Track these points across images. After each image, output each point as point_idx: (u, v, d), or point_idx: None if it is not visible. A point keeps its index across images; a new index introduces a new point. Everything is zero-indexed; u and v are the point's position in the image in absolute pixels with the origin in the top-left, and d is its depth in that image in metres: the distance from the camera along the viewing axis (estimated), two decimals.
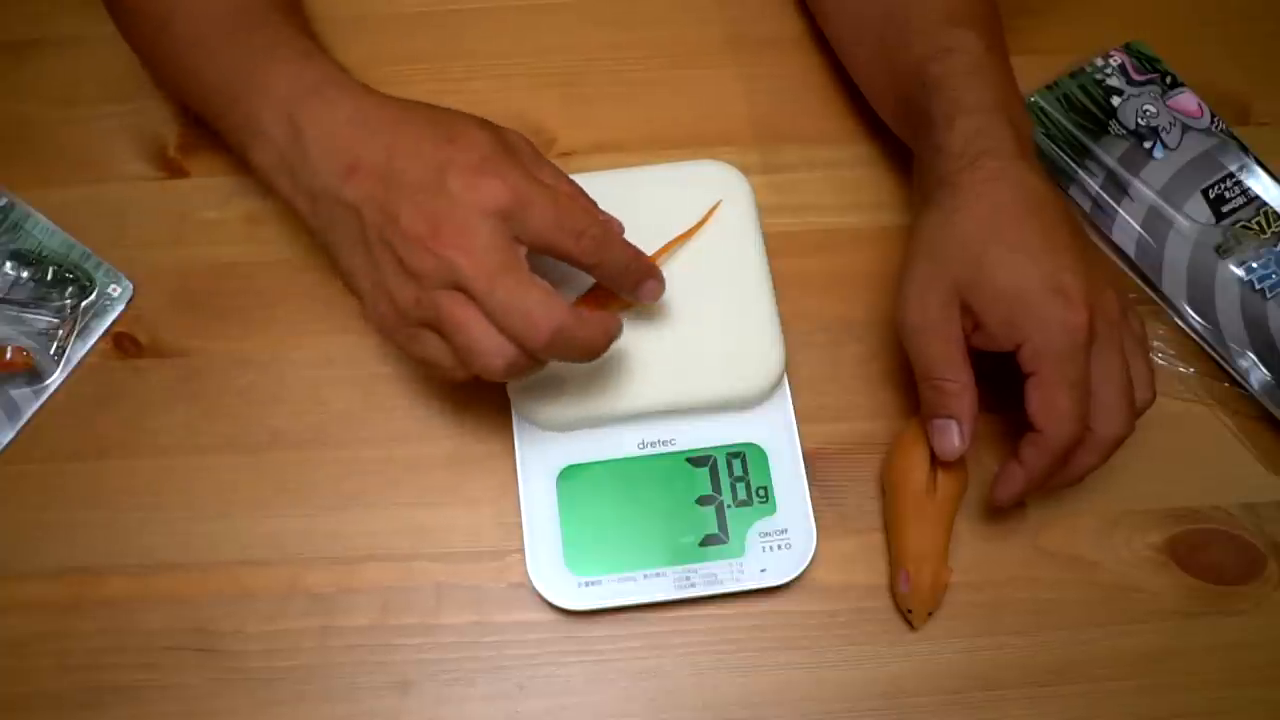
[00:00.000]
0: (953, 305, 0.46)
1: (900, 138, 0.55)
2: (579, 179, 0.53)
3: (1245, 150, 0.57)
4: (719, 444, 0.51)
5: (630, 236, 0.52)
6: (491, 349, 0.41)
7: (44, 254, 0.56)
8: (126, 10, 0.52)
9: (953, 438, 0.47)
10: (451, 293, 0.41)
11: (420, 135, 0.43)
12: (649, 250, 0.51)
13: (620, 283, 0.46)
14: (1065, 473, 0.47)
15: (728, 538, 0.49)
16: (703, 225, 0.52)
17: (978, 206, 0.46)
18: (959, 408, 0.46)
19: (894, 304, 0.48)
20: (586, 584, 0.49)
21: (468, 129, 0.44)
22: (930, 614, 0.49)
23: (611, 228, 0.45)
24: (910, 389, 0.54)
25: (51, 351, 0.54)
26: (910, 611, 0.49)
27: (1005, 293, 0.45)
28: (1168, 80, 0.59)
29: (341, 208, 0.43)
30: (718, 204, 0.52)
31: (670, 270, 0.51)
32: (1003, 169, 0.46)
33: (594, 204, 0.46)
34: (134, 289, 0.55)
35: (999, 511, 0.50)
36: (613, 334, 0.44)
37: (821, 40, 0.60)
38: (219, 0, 0.49)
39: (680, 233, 0.51)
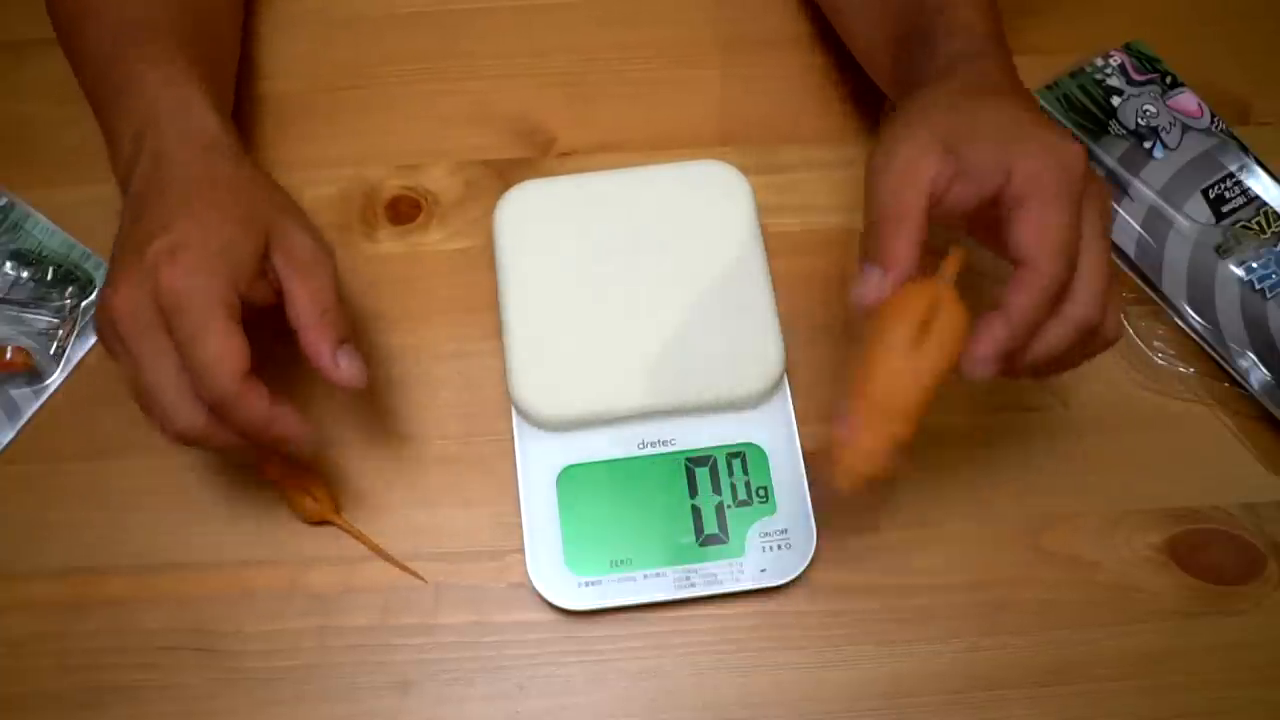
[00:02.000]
0: (927, 154, 0.41)
1: (889, 94, 0.53)
2: (580, 179, 0.54)
3: (1245, 150, 0.57)
4: (719, 444, 0.51)
5: (631, 237, 0.52)
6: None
7: (44, 254, 0.56)
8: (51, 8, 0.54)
9: (871, 284, 0.40)
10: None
11: (195, 199, 0.44)
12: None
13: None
14: (1035, 348, 0.41)
15: (728, 538, 0.49)
16: None
17: (972, 81, 0.44)
18: (892, 252, 0.40)
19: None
20: (586, 584, 0.49)
21: (219, 223, 0.43)
22: (866, 481, 0.41)
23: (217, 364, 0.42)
24: None
25: (51, 351, 0.54)
26: (841, 465, 0.41)
27: (996, 126, 0.41)
28: (1168, 80, 0.59)
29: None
30: None
31: (671, 270, 0.52)
32: (1001, 69, 0.45)
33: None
34: None
35: (974, 379, 0.40)
36: (280, 430, 0.43)
37: (822, 40, 0.60)
38: (121, 10, 0.50)
39: None
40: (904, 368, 0.40)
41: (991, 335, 0.40)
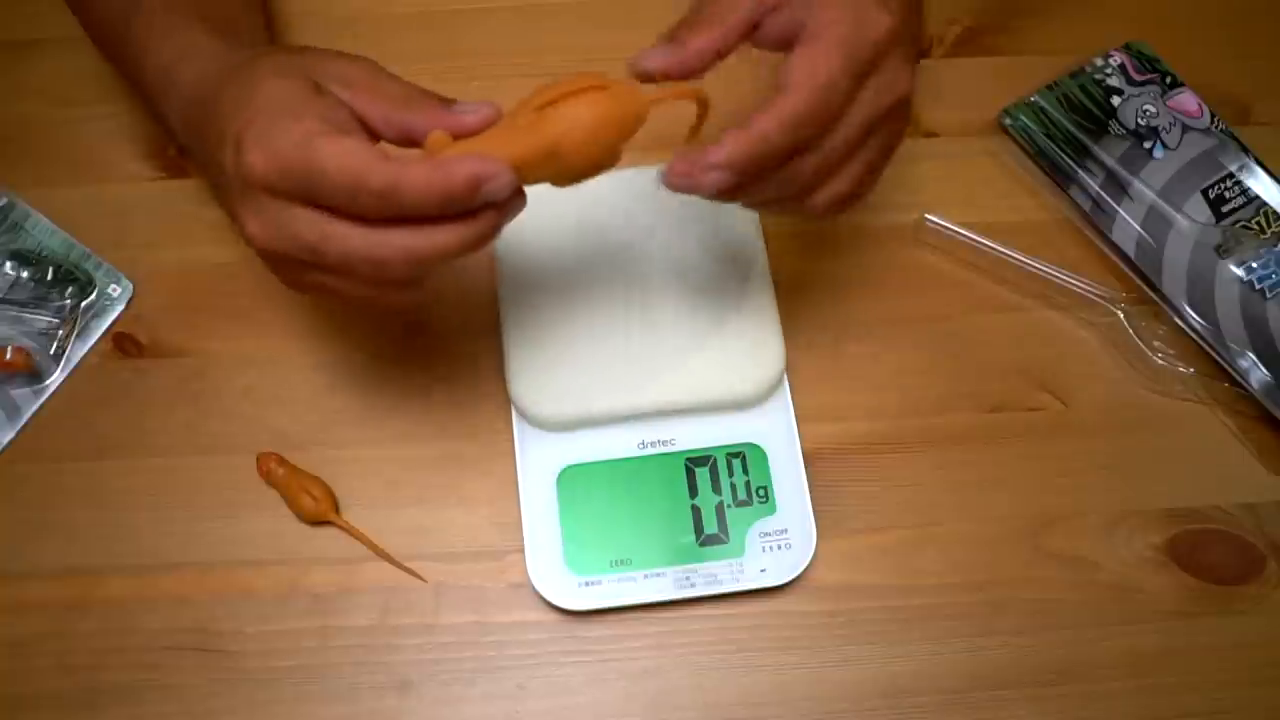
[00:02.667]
0: None
1: None
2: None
3: (1245, 150, 0.57)
4: (719, 444, 0.51)
5: (631, 237, 0.52)
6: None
7: (44, 254, 0.56)
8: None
9: (654, 54, 0.41)
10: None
11: (223, 101, 0.41)
12: None
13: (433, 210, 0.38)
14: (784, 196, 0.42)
15: (728, 538, 0.49)
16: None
17: None
18: (688, 41, 0.41)
19: None
20: (586, 584, 0.49)
21: (254, 92, 0.40)
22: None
23: (406, 175, 0.37)
24: (909, 389, 0.54)
25: (51, 351, 0.54)
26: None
27: None
28: (1168, 80, 0.59)
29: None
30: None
31: (671, 270, 0.52)
32: None
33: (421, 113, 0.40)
34: (134, 289, 0.55)
35: (683, 184, 0.40)
36: (480, 175, 0.37)
37: None
38: None
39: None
40: (514, 124, 0.39)
41: (724, 146, 0.39)
